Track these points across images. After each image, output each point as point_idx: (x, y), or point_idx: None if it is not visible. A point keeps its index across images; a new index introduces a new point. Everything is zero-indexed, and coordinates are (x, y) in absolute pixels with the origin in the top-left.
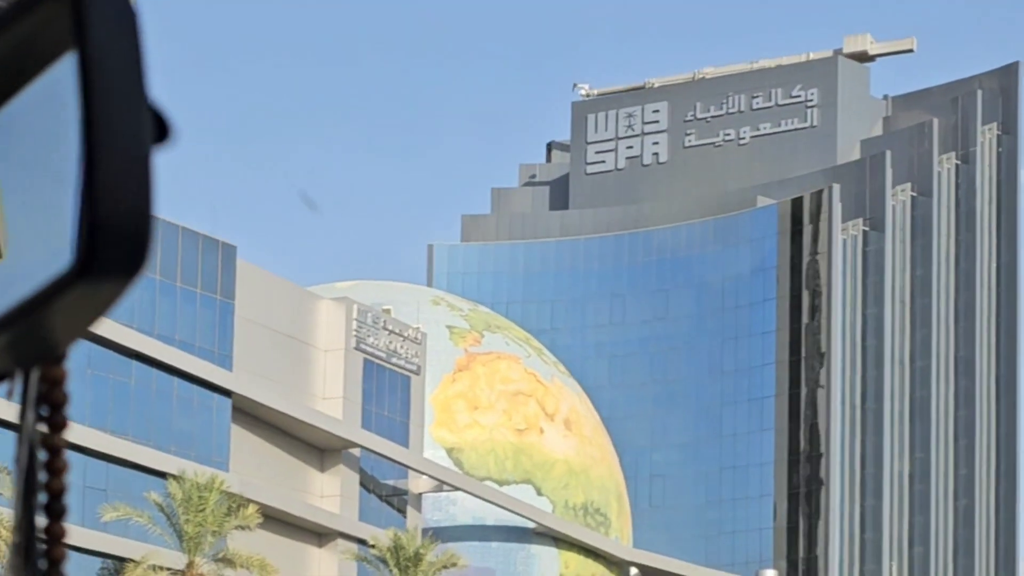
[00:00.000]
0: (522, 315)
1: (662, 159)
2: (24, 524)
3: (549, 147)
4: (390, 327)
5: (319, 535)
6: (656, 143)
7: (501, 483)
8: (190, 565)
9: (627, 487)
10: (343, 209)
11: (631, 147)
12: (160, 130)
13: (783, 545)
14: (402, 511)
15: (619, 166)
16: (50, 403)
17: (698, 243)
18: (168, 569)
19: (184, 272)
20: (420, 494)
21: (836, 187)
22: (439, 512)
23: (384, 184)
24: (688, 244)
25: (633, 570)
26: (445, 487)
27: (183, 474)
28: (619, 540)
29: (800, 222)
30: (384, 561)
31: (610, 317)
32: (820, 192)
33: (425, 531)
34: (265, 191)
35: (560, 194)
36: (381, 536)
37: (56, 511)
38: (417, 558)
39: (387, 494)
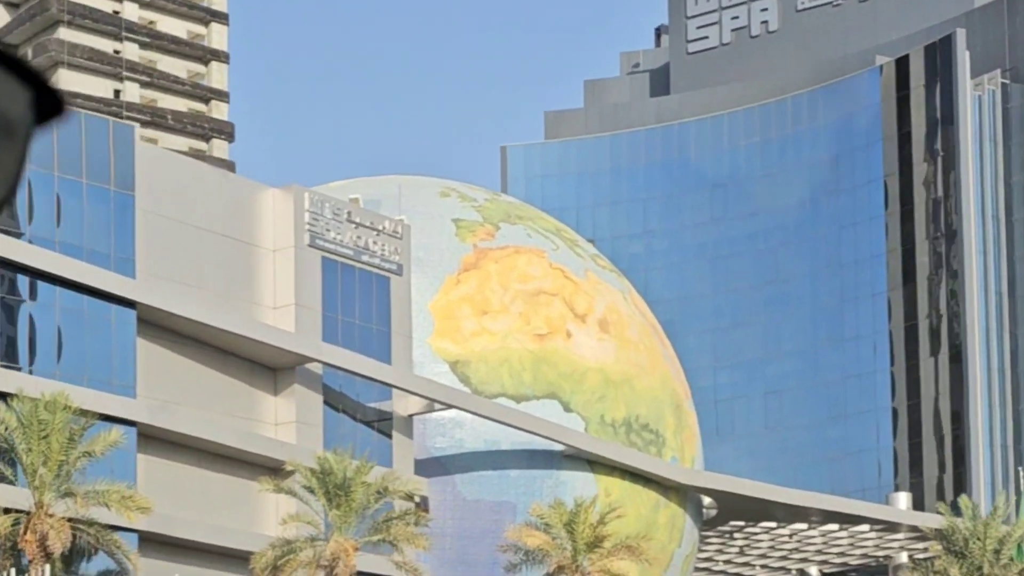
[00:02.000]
0: (610, 218)
1: (772, 27)
2: None
3: (658, 32)
4: (358, 219)
5: (273, 470)
6: (765, 9)
7: (519, 399)
8: (39, 505)
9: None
10: (415, 111)
11: (736, 17)
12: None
13: (906, 466)
14: (388, 437)
15: (724, 40)
16: None
17: (806, 116)
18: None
19: (65, 159)
20: (410, 416)
21: (961, 33)
22: (443, 438)
23: (462, 81)
24: (795, 119)
25: (706, 499)
26: (437, 406)
27: (21, 392)
28: (678, 461)
29: (920, 80)
30: (311, 490)
31: (710, 212)
32: (944, 41)
33: (426, 461)
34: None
35: (661, 81)
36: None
37: None
38: (346, 486)
39: (367, 419)
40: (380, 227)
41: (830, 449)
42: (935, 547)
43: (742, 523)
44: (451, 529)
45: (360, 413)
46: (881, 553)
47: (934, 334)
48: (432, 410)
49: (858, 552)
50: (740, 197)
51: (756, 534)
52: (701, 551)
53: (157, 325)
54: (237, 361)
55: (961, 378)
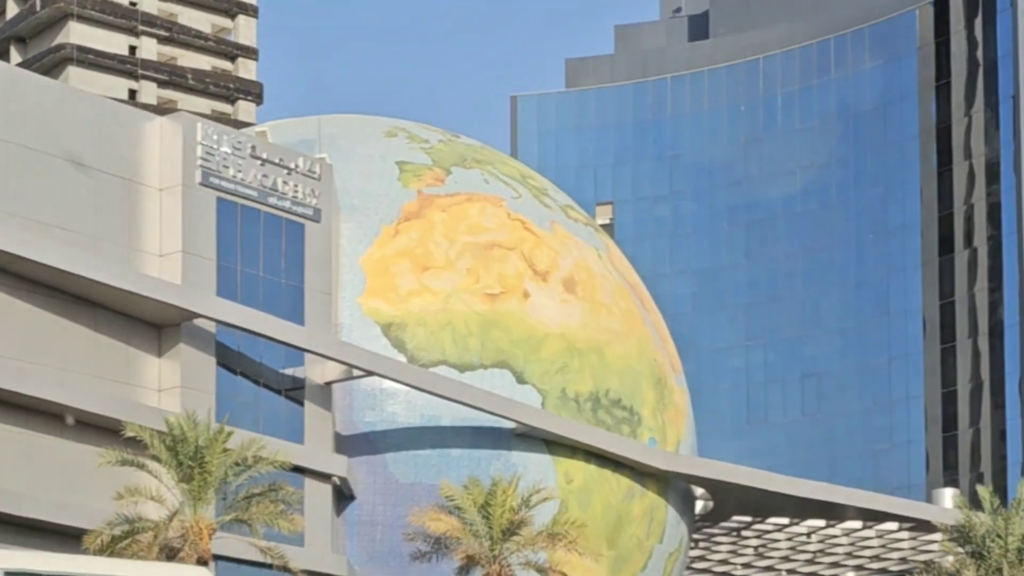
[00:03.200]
0: (632, 177)
1: None
2: None
3: None
4: (264, 155)
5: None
6: None
7: (462, 369)
8: None
9: (753, 387)
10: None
11: None
12: None
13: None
14: (299, 405)
15: None
16: None
17: (851, 60)
18: None
19: None
20: (328, 385)
21: None
22: (374, 412)
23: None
24: (838, 62)
25: (699, 490)
26: (356, 372)
27: None
28: (657, 444)
29: (973, 14)
30: (157, 459)
31: (744, 171)
32: None
33: (353, 438)
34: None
35: (700, 25)
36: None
37: None
38: (200, 456)
39: (274, 386)
40: (292, 165)
41: (875, 440)
42: (946, 544)
43: (748, 518)
44: (381, 517)
45: (264, 379)
46: (922, 557)
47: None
48: (351, 377)
49: (895, 556)
50: (775, 153)
51: (768, 532)
52: (710, 552)
53: (9, 272)
54: (112, 316)
55: None
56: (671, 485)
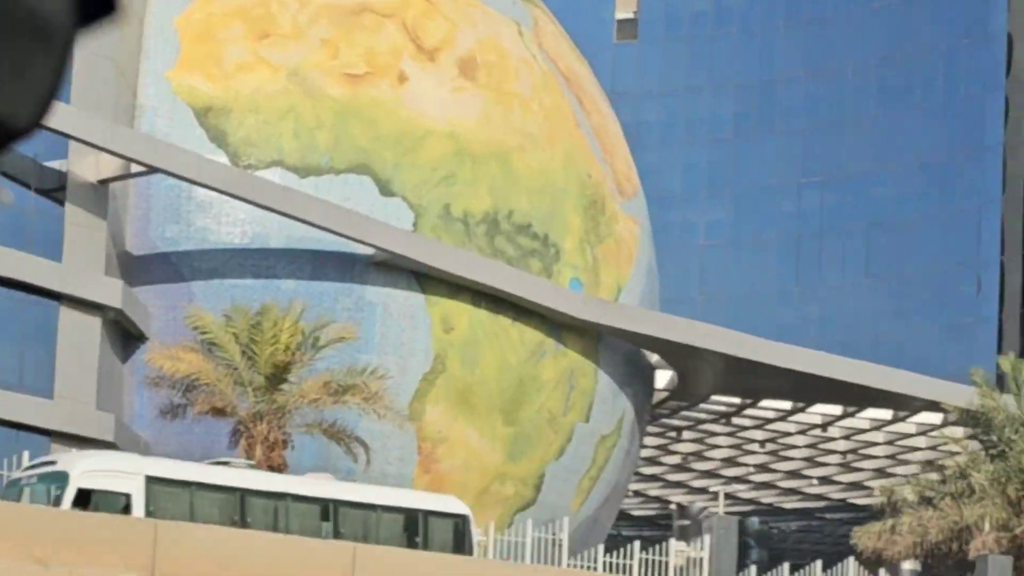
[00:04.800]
0: None
1: None
2: None
3: None
4: None
5: None
6: None
7: (305, 172)
8: None
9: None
10: None
11: None
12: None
13: None
14: (59, 205)
15: None
16: None
17: None
18: None
19: None
20: (103, 183)
21: None
22: (178, 226)
23: None
24: None
25: (654, 357)
26: (135, 168)
27: None
28: (583, 288)
29: None
30: None
31: None
32: None
33: (149, 258)
34: None
35: None
36: None
37: None
38: None
39: (26, 180)
40: None
41: (960, 310)
42: (951, 433)
43: (737, 400)
44: None
45: (12, 170)
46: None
47: None
48: (128, 174)
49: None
50: None
51: (770, 421)
52: (703, 447)
53: None
54: None
55: None
56: (603, 344)
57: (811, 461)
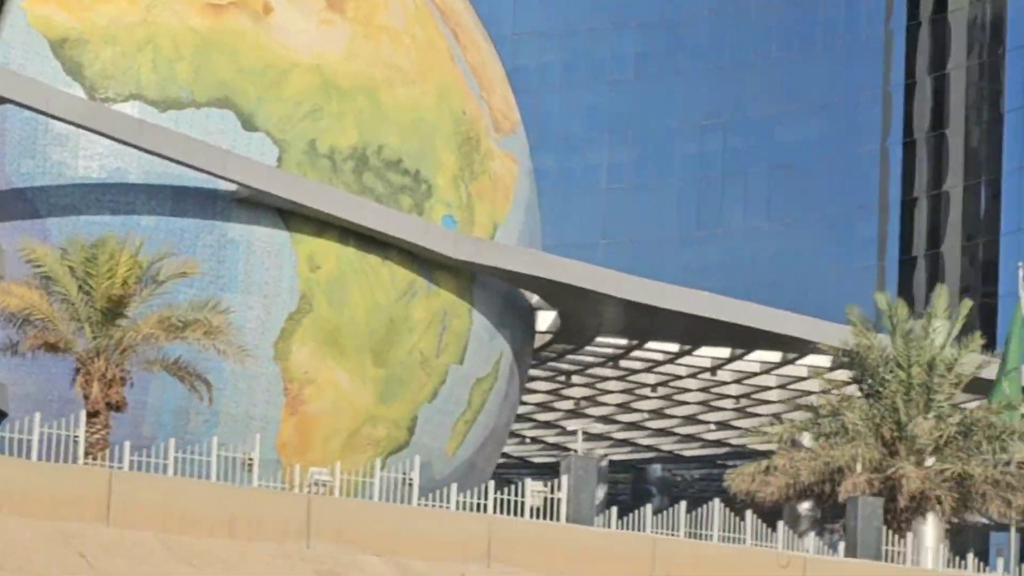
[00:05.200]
0: None
1: None
2: None
3: None
4: None
5: None
6: None
7: (166, 106)
8: None
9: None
10: None
11: None
12: None
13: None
14: None
15: None
16: None
17: None
18: None
19: None
20: None
21: None
22: (33, 161)
23: None
24: None
25: (534, 297)
26: None
27: None
28: (456, 225)
29: None
30: None
31: None
32: None
33: (3, 195)
34: None
35: None
36: None
37: None
38: None
39: None
40: None
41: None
42: (818, 372)
43: (624, 342)
44: None
45: None
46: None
47: None
48: None
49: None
50: None
51: (659, 364)
52: (595, 391)
53: None
54: None
55: None
56: (478, 283)
57: (706, 406)
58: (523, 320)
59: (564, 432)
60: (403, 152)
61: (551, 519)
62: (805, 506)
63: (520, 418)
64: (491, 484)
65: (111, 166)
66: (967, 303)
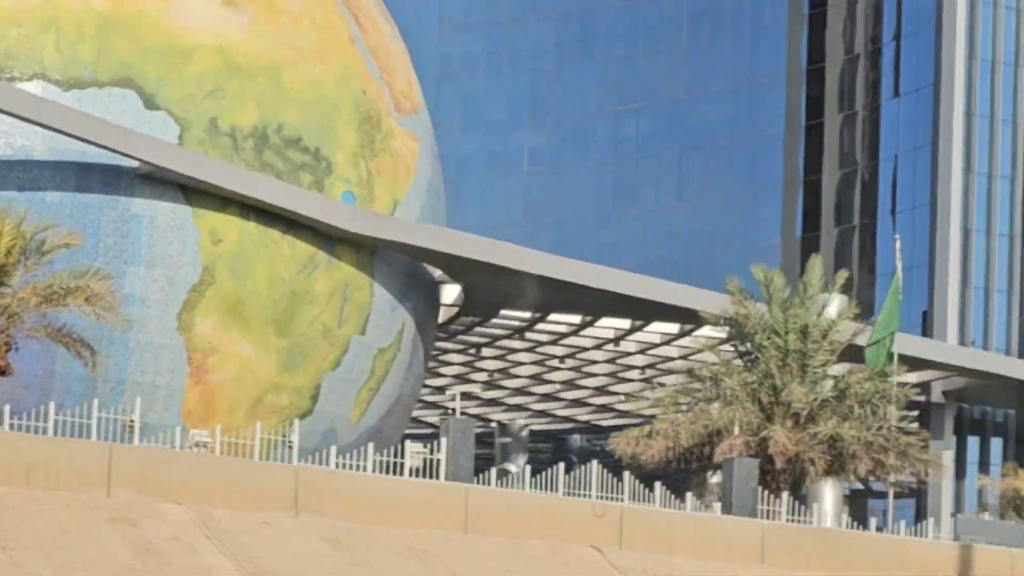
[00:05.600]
0: None
1: None
2: None
3: None
4: None
5: None
6: None
7: (69, 85)
8: None
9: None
10: None
11: None
12: None
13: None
14: None
15: None
16: None
17: None
18: None
19: None
20: None
21: None
22: None
23: None
24: None
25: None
26: None
27: None
28: (355, 201)
29: None
30: None
31: None
32: None
33: None
34: None
35: None
36: None
37: None
38: None
39: None
40: None
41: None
42: (708, 344)
43: (527, 315)
44: None
45: None
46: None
47: None
48: None
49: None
50: None
51: (565, 336)
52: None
53: None
54: None
55: None
56: (379, 257)
57: (615, 377)
58: (426, 293)
59: (484, 403)
60: (303, 131)
61: (432, 479)
62: (715, 480)
63: (438, 390)
64: (371, 446)
65: (16, 144)
66: (843, 273)
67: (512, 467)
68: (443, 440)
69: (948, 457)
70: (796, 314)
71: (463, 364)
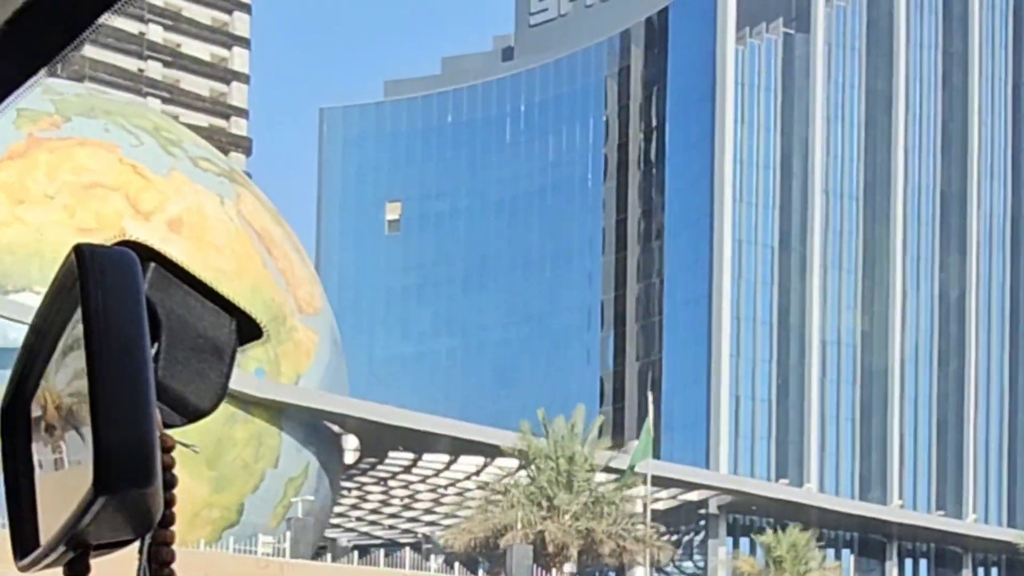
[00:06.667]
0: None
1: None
2: None
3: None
4: None
5: None
6: None
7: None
8: None
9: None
10: None
11: None
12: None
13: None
14: None
15: (562, 12)
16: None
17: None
18: None
19: None
20: None
21: None
22: None
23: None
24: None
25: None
26: None
27: None
28: (265, 375)
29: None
30: None
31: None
32: None
33: None
34: None
35: (511, 54)
36: None
37: None
38: None
39: None
40: None
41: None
42: (502, 468)
43: (408, 456)
44: None
45: None
46: None
47: None
48: None
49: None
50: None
51: (439, 471)
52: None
53: None
54: None
55: None
56: (285, 414)
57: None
58: (327, 439)
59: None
60: None
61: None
62: (567, 568)
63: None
64: (231, 538)
65: (13, 336)
66: (600, 418)
67: None
68: (287, 534)
69: (723, 552)
70: (564, 446)
71: (381, 494)
